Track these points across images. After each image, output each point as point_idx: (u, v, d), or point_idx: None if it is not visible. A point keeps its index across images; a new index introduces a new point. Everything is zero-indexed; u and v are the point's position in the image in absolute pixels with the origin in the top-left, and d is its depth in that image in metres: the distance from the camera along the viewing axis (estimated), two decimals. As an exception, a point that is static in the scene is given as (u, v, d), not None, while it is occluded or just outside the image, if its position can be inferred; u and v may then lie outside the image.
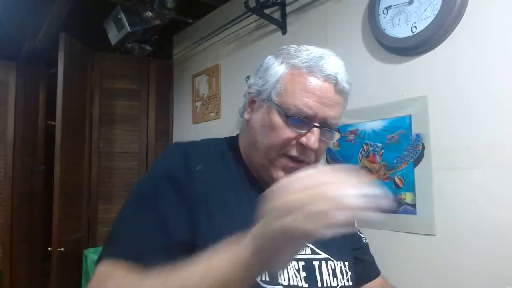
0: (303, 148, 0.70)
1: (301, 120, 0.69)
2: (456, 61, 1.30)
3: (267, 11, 1.95)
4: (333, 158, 1.68)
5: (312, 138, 0.69)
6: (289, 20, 1.94)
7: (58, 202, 2.22)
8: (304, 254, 0.73)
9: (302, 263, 0.72)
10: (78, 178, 2.50)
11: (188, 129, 2.70)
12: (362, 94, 1.56)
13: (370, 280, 0.89)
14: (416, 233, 1.37)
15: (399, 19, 1.42)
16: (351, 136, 1.60)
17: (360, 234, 0.91)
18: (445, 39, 1.32)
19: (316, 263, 0.73)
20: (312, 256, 0.74)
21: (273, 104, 0.71)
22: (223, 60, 2.41)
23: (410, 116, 1.41)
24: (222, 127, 2.33)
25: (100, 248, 2.38)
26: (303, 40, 1.90)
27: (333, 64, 0.71)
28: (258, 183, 0.76)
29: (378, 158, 1.50)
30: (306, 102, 0.68)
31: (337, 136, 0.75)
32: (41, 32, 2.58)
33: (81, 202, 2.54)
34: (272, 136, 0.71)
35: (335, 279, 0.74)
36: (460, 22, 1.28)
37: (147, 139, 2.78)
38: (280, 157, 0.72)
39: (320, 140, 0.71)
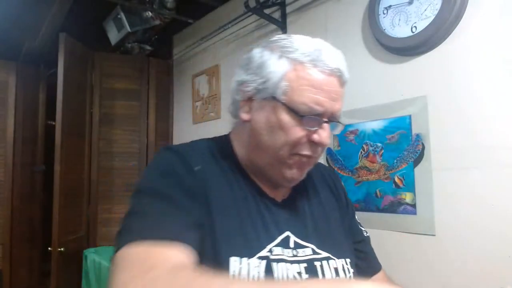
0: (315, 144, 0.69)
1: (312, 118, 0.67)
2: (456, 61, 1.30)
3: (267, 11, 1.95)
4: (333, 158, 1.68)
5: (324, 134, 0.68)
6: (289, 20, 1.94)
7: (58, 202, 2.22)
8: (305, 255, 0.72)
9: (304, 265, 0.70)
10: (78, 178, 2.50)
11: (188, 129, 2.70)
12: (362, 94, 1.57)
13: (372, 275, 0.88)
14: (416, 233, 1.37)
15: (399, 19, 1.42)
16: (351, 136, 1.60)
17: (361, 228, 0.90)
18: (445, 39, 1.32)
19: (317, 264, 0.72)
20: (313, 256, 0.72)
21: (280, 103, 0.67)
22: (223, 60, 2.41)
23: (410, 116, 1.41)
24: (222, 127, 2.32)
25: (100, 248, 2.39)
26: (303, 40, 1.90)
27: (335, 56, 0.69)
28: (253, 182, 0.75)
29: (378, 158, 1.50)
30: (316, 99, 0.66)
31: (341, 127, 0.74)
32: (41, 32, 2.58)
33: (81, 202, 2.54)
34: (282, 136, 0.68)
35: (337, 278, 0.73)
36: (460, 22, 1.28)
37: (147, 139, 2.78)
38: (292, 155, 0.70)
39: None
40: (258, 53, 0.73)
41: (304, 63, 0.67)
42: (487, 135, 1.20)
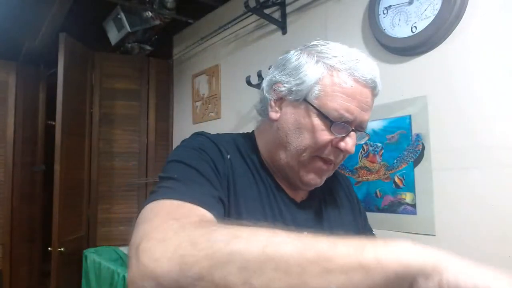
0: (339, 151, 0.70)
1: (341, 124, 0.68)
2: (456, 61, 1.30)
3: (267, 11, 1.95)
4: (333, 158, 1.68)
5: (351, 142, 0.69)
6: (289, 20, 1.94)
7: (58, 202, 2.22)
8: None
9: None
10: (78, 178, 2.50)
11: (188, 129, 2.70)
12: (362, 94, 1.56)
13: None
14: (416, 233, 1.37)
15: (399, 19, 1.42)
16: (351, 136, 1.60)
17: (373, 233, 0.92)
18: (445, 39, 1.32)
19: None
20: None
21: (311, 107, 0.69)
22: (223, 60, 2.41)
23: (410, 116, 1.41)
24: (222, 127, 2.34)
25: (100, 248, 2.39)
26: (303, 40, 1.90)
27: (371, 67, 0.70)
28: (275, 181, 0.76)
29: (378, 158, 1.50)
30: (347, 107, 0.67)
31: (366, 138, 0.76)
32: (41, 32, 2.58)
33: (81, 202, 2.54)
34: (309, 138, 0.70)
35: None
36: (460, 22, 1.28)
37: (147, 139, 2.78)
38: (313, 158, 0.71)
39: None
40: (295, 56, 0.74)
41: (341, 70, 0.68)
42: (487, 135, 1.20)
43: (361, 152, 1.56)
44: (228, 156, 0.71)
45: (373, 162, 1.52)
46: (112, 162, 2.68)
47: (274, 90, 0.74)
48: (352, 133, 0.70)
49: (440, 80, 1.33)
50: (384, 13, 1.47)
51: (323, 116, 0.68)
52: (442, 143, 1.32)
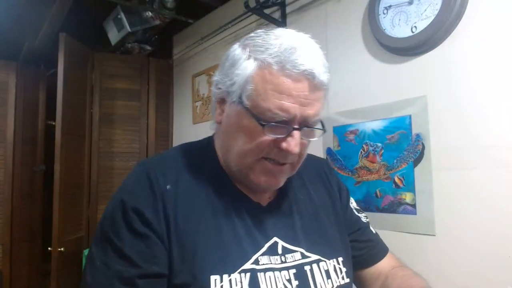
0: (284, 152, 0.64)
1: (278, 125, 0.62)
2: (456, 61, 1.30)
3: (267, 11, 1.95)
4: (333, 158, 1.68)
5: (292, 142, 0.63)
6: (289, 20, 1.94)
7: (58, 202, 2.22)
8: (294, 260, 0.69)
9: (293, 271, 0.67)
10: (78, 178, 2.50)
11: (188, 129, 2.70)
12: (362, 94, 1.57)
13: (379, 260, 0.84)
14: (416, 233, 1.37)
15: (399, 19, 1.42)
16: (351, 136, 1.60)
17: (359, 214, 0.87)
18: (445, 39, 1.32)
19: (307, 268, 0.69)
20: (302, 260, 0.70)
21: (245, 109, 0.63)
22: (223, 60, 2.41)
23: (410, 116, 1.41)
24: (222, 127, 2.33)
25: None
26: (303, 40, 1.90)
27: (309, 56, 0.62)
28: (236, 188, 0.71)
29: (378, 158, 1.50)
30: (280, 105, 0.60)
31: (319, 133, 0.68)
32: (41, 32, 2.58)
33: (81, 202, 2.54)
34: (248, 141, 0.64)
35: (329, 280, 0.70)
36: (460, 22, 1.28)
37: (147, 139, 2.78)
38: (259, 161, 0.65)
39: (303, 141, 0.65)
40: (231, 52, 0.69)
41: (271, 64, 0.61)
42: (487, 135, 1.20)
43: (361, 152, 1.56)
44: (168, 187, 0.65)
45: (373, 162, 1.52)
46: (112, 162, 2.67)
47: (215, 92, 0.69)
48: (295, 132, 0.62)
49: (440, 80, 1.33)
50: (384, 13, 1.47)
51: (256, 117, 0.62)
52: (442, 143, 1.32)
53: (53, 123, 2.36)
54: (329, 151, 1.69)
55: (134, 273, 0.60)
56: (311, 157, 0.83)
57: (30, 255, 2.95)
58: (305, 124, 0.64)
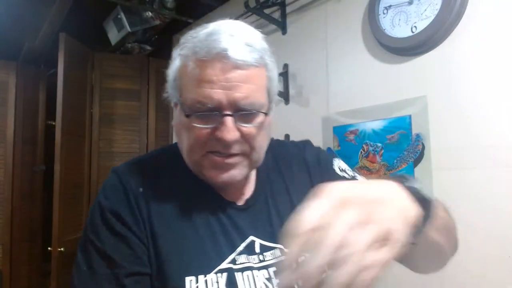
0: (221, 141, 0.61)
1: (205, 114, 0.60)
2: (456, 61, 1.30)
3: (267, 11, 1.95)
4: (333, 158, 1.68)
5: (225, 130, 0.60)
6: (289, 20, 1.94)
7: (58, 202, 2.22)
8: (273, 258, 0.67)
9: (273, 269, 0.66)
10: (78, 178, 2.50)
11: (188, 129, 2.70)
12: (362, 94, 1.57)
13: None
14: (416, 233, 1.37)
15: (399, 19, 1.42)
16: (351, 136, 1.60)
17: (344, 174, 0.78)
18: (445, 39, 1.32)
19: None
20: (282, 258, 0.67)
21: (180, 105, 0.64)
22: (223, 60, 2.41)
23: (410, 116, 1.41)
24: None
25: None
26: (303, 40, 1.91)
27: (224, 37, 0.59)
28: (209, 189, 0.70)
29: (378, 158, 1.50)
30: (203, 93, 0.59)
31: (261, 116, 0.63)
32: (41, 32, 2.58)
33: (81, 202, 2.54)
34: (187, 137, 0.64)
35: None
36: (460, 22, 1.28)
37: (147, 139, 2.77)
38: (205, 156, 0.64)
39: (243, 126, 0.62)
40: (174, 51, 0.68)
41: (189, 56, 0.61)
42: (487, 135, 1.20)
43: (361, 152, 1.56)
44: (140, 190, 0.65)
45: (373, 162, 1.52)
46: (112, 162, 2.67)
47: (166, 96, 0.70)
48: (226, 119, 0.59)
49: (440, 80, 1.33)
50: (384, 13, 1.47)
51: (184, 110, 0.62)
52: (442, 143, 1.32)
53: (53, 123, 2.36)
54: (329, 151, 1.69)
55: (120, 273, 0.60)
56: (292, 144, 0.81)
57: (30, 255, 2.95)
58: (238, 109, 0.60)
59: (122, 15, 2.52)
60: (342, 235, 0.36)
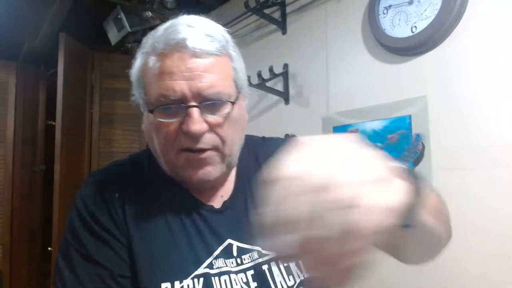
0: (189, 135, 0.59)
1: (170, 107, 0.58)
2: (456, 61, 1.30)
3: (267, 11, 1.94)
4: (333, 158, 1.68)
5: (190, 122, 0.58)
6: (289, 20, 1.94)
7: (58, 202, 2.22)
8: (251, 260, 0.66)
9: (251, 272, 0.64)
10: (78, 178, 2.50)
11: (188, 129, 2.70)
12: (362, 94, 1.57)
13: None
14: (416, 233, 1.37)
15: (399, 19, 1.42)
16: (351, 136, 1.60)
17: None
18: (445, 39, 1.32)
19: (265, 267, 0.65)
20: (260, 260, 0.66)
21: (146, 105, 0.62)
22: (223, 60, 2.41)
23: (410, 116, 1.41)
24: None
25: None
26: (303, 40, 1.91)
27: (182, 28, 0.59)
28: (186, 192, 0.68)
29: (378, 158, 1.50)
30: (163, 86, 0.58)
31: (228, 106, 0.61)
32: (41, 32, 2.58)
33: (81, 202, 2.54)
34: (157, 137, 0.62)
35: (290, 276, 0.66)
36: (460, 22, 1.28)
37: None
38: (178, 154, 0.62)
39: (210, 117, 0.60)
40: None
41: (149, 52, 0.60)
42: (487, 135, 1.20)
43: (361, 152, 1.56)
44: (116, 195, 0.64)
45: (373, 162, 1.52)
46: (112, 162, 2.67)
47: (133, 100, 0.68)
48: (191, 110, 0.58)
49: (440, 80, 1.33)
50: (384, 13, 1.47)
51: (147, 107, 0.61)
52: (442, 143, 1.32)
53: (53, 123, 2.36)
54: (329, 151, 1.68)
55: (104, 274, 0.59)
56: (273, 141, 0.80)
57: (30, 255, 2.95)
58: (203, 99, 0.59)
59: (122, 15, 2.52)
60: (326, 179, 0.33)
